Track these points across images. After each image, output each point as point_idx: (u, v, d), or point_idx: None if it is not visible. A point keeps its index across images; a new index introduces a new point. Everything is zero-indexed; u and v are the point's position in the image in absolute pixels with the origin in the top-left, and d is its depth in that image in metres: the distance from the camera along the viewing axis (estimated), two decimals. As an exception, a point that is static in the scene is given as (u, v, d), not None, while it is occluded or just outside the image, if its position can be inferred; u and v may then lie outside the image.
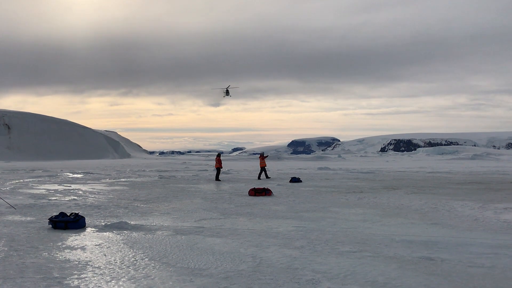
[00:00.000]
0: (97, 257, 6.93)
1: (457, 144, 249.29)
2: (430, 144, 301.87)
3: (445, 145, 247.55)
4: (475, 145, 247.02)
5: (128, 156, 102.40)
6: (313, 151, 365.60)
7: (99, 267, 6.31)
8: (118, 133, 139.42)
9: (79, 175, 29.10)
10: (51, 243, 7.90)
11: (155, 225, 9.91)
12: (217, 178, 24.81)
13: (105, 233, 8.85)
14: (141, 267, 6.31)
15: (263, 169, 26.55)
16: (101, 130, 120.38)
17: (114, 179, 25.43)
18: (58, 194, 16.46)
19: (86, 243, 7.92)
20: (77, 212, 10.65)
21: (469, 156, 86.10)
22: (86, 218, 10.05)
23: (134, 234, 8.77)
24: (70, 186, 20.08)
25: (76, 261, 6.64)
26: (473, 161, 70.67)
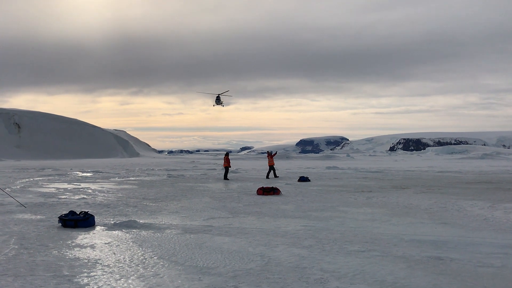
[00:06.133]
0: (106, 255, 6.98)
1: (467, 144, 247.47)
2: (439, 143, 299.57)
3: (454, 144, 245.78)
4: (484, 145, 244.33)
5: (137, 155, 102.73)
6: (321, 150, 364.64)
7: (108, 266, 6.36)
8: (127, 132, 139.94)
9: (88, 174, 29.28)
10: (61, 241, 7.97)
11: (164, 223, 9.96)
12: (225, 177, 24.84)
13: (114, 232, 8.91)
14: (150, 266, 6.35)
15: (271, 168, 26.53)
16: (110, 129, 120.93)
17: (123, 178, 25.56)
18: (67, 193, 16.59)
19: (96, 242, 7.98)
20: (86, 210, 10.73)
21: (478, 156, 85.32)
22: (95, 217, 10.13)
23: (143, 232, 8.83)
24: (79, 185, 20.22)
25: (86, 259, 6.69)
26: (482, 160, 70.07)
